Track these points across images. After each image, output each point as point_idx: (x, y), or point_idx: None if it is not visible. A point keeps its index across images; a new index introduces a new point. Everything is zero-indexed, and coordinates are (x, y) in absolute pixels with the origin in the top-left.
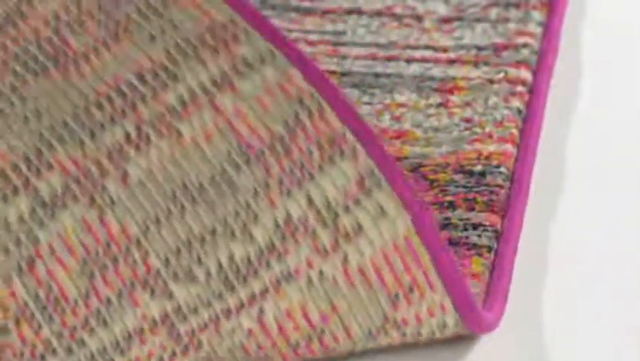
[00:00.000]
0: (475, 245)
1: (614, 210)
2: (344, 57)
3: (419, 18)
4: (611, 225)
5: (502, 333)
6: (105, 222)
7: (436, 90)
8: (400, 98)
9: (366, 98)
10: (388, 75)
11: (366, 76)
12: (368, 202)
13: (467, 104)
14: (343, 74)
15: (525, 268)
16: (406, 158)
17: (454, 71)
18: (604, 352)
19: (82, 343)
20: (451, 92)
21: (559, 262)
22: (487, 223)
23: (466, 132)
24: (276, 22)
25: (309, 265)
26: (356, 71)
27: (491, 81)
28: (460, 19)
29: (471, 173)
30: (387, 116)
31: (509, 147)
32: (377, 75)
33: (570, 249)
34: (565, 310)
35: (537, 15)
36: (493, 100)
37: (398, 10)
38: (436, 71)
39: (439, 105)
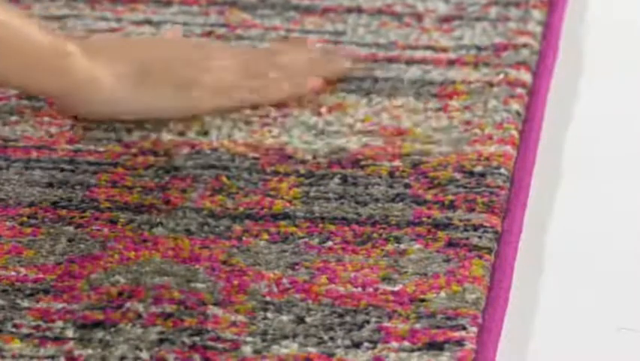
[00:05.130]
0: (475, 246)
1: (614, 211)
2: None
3: (419, 17)
4: (611, 225)
5: (502, 333)
6: None
7: (435, 95)
8: (399, 103)
9: (364, 101)
10: (387, 80)
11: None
12: None
13: (466, 108)
14: None
15: (525, 268)
16: (406, 155)
17: (453, 74)
18: (603, 351)
19: None
20: (450, 97)
21: (559, 262)
22: (488, 224)
23: (466, 134)
24: (276, 21)
25: None
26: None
27: (491, 84)
28: (460, 17)
29: (471, 173)
30: (386, 116)
31: (509, 149)
32: (376, 80)
33: (570, 249)
34: (564, 309)
35: (537, 14)
36: (492, 103)
37: (398, 9)
38: (435, 74)
39: (438, 110)
